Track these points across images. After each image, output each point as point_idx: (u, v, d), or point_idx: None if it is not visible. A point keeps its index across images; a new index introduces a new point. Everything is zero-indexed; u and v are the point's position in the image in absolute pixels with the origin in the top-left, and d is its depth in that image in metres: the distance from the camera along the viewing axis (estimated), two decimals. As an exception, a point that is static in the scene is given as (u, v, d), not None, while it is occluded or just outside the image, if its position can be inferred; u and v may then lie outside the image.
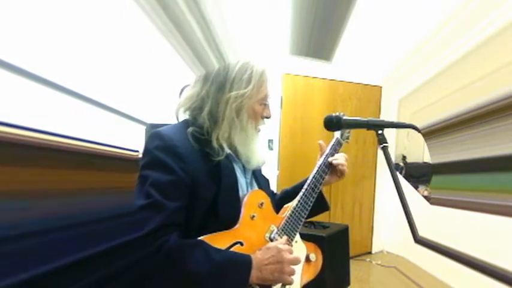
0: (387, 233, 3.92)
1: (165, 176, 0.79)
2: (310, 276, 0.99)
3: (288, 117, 3.38)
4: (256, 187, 0.98)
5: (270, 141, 3.32)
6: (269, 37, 2.83)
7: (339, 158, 1.05)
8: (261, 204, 0.90)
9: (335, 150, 1.07)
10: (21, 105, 0.71)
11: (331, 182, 1.08)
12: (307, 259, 0.99)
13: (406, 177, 3.52)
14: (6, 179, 0.58)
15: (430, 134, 2.47)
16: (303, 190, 0.98)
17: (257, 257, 0.80)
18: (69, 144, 0.77)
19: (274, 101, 3.19)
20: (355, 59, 3.42)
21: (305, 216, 0.97)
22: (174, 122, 0.95)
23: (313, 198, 0.98)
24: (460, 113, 2.25)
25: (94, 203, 0.83)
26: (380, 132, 0.81)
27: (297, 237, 0.96)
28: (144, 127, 1.41)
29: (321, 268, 1.03)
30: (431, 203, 2.98)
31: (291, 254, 0.85)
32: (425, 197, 3.16)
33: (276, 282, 0.83)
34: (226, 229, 0.82)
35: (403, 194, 0.72)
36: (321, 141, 1.09)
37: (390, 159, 0.77)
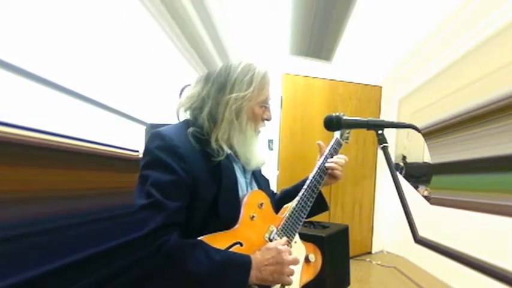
0: (387, 233, 3.92)
1: (166, 176, 0.79)
2: (309, 276, 0.99)
3: (288, 117, 3.38)
4: (256, 187, 0.98)
5: (270, 141, 3.32)
6: (269, 37, 2.83)
7: (336, 162, 1.04)
8: (261, 204, 0.90)
9: (335, 150, 1.07)
10: (21, 105, 0.71)
11: (329, 183, 1.07)
12: (307, 259, 0.99)
13: (406, 177, 3.52)
14: (6, 179, 0.58)
15: (430, 134, 2.47)
16: (303, 190, 0.98)
17: (257, 257, 0.80)
18: (69, 144, 0.77)
19: (274, 101, 3.19)
20: (355, 59, 3.42)
21: (304, 217, 0.97)
22: (174, 122, 0.95)
23: (312, 198, 0.98)
24: (460, 113, 2.25)
25: (94, 203, 0.83)
26: (380, 132, 0.81)
27: (296, 237, 0.97)
28: (144, 127, 1.41)
29: (321, 268, 1.03)
30: (431, 203, 2.98)
31: (291, 255, 0.85)
32: (425, 197, 3.16)
33: (276, 283, 0.83)
34: (226, 229, 0.83)
35: (403, 194, 0.72)
36: (320, 142, 1.09)
37: (390, 159, 0.77)
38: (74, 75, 0.91)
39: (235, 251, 0.81)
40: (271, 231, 0.89)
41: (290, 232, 0.93)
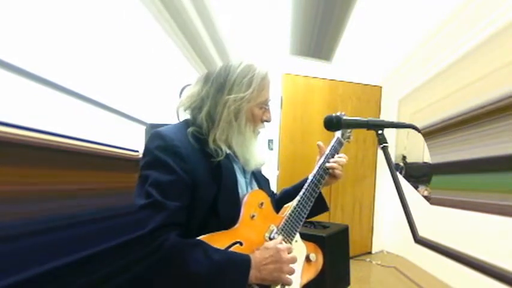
0: (387, 233, 3.92)
1: (166, 175, 0.79)
2: (310, 276, 0.99)
3: (288, 117, 3.38)
4: (256, 187, 0.98)
5: (270, 141, 3.32)
6: (269, 37, 2.83)
7: (337, 161, 1.04)
8: (261, 204, 0.90)
9: (336, 149, 1.07)
10: (21, 105, 0.71)
11: (329, 183, 1.07)
12: (307, 259, 0.99)
13: (406, 177, 3.52)
14: (6, 179, 0.58)
15: (430, 134, 2.47)
16: (303, 190, 0.98)
17: (256, 256, 0.80)
18: (69, 144, 0.77)
19: (274, 101, 3.19)
20: (355, 59, 3.42)
21: (305, 216, 0.97)
22: (174, 122, 0.95)
23: (313, 198, 0.98)
24: (460, 113, 2.25)
25: (94, 203, 0.83)
26: (380, 132, 0.81)
27: (297, 236, 0.96)
28: (144, 127, 1.41)
29: (321, 268, 1.03)
30: (431, 203, 2.98)
31: (290, 253, 0.84)
32: (425, 197, 3.16)
33: (275, 282, 0.83)
34: (226, 229, 0.82)
35: (403, 194, 0.72)
36: (319, 143, 1.09)
37: (390, 159, 0.77)
38: (74, 75, 0.91)
39: (235, 250, 0.81)
40: (272, 231, 0.89)
41: (290, 231, 0.93)
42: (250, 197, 0.89)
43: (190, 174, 0.81)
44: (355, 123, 0.90)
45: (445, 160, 2.35)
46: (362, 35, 2.84)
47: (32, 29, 0.77)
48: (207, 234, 0.79)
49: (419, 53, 3.25)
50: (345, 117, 0.89)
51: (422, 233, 0.70)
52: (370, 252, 3.89)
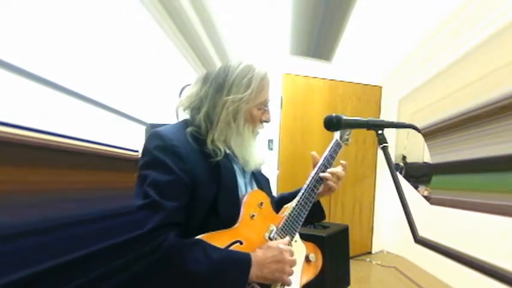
0: (387, 233, 3.92)
1: (164, 175, 0.79)
2: (310, 276, 0.99)
3: (288, 117, 3.38)
4: (255, 187, 0.98)
5: (270, 141, 3.32)
6: (269, 37, 2.83)
7: (334, 172, 1.00)
8: (261, 204, 0.90)
9: (335, 151, 1.06)
10: (21, 105, 0.71)
11: (322, 194, 1.03)
12: (307, 259, 0.99)
13: (406, 177, 3.52)
14: (6, 179, 0.58)
15: (430, 134, 2.47)
16: (303, 190, 0.98)
17: (258, 255, 0.80)
18: (69, 144, 0.77)
19: (274, 101, 3.19)
20: (355, 59, 3.42)
21: (304, 216, 0.96)
22: (174, 122, 0.95)
23: (312, 198, 0.98)
24: (460, 113, 2.25)
25: (93, 202, 0.83)
26: (380, 132, 0.81)
27: (297, 236, 0.96)
28: (144, 127, 1.40)
29: (321, 268, 1.03)
30: (431, 203, 2.98)
31: (292, 256, 0.84)
32: (425, 197, 3.16)
33: (276, 282, 0.83)
34: (226, 228, 0.82)
35: (403, 194, 0.72)
36: (313, 153, 1.05)
37: (390, 159, 0.77)
38: (74, 75, 0.91)
39: (236, 249, 0.81)
40: (271, 231, 0.89)
41: (290, 231, 0.93)
42: (250, 197, 0.89)
43: (189, 174, 0.81)
44: (355, 123, 0.90)
45: (445, 160, 2.35)
46: (362, 35, 2.84)
47: (32, 29, 0.77)
48: (207, 233, 0.79)
49: (419, 53, 3.25)
50: (344, 117, 0.89)
51: (422, 233, 0.70)
52: (370, 252, 3.89)
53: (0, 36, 0.68)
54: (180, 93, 0.98)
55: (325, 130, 0.92)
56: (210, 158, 0.86)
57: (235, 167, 0.93)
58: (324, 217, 1.10)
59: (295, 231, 0.95)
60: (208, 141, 0.87)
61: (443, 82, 2.79)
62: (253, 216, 0.87)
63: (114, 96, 1.13)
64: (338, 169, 1.02)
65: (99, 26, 1.07)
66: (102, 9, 1.09)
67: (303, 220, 0.96)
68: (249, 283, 0.78)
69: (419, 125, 0.84)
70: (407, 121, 0.87)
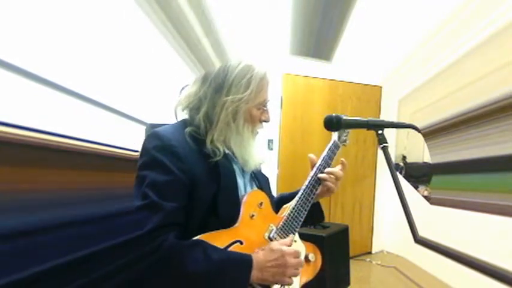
0: (387, 233, 3.92)
1: (163, 176, 0.79)
2: (308, 276, 0.99)
3: (288, 117, 3.38)
4: (255, 187, 0.98)
5: (270, 141, 3.32)
6: (269, 37, 2.83)
7: (332, 172, 0.99)
8: (261, 204, 0.90)
9: (333, 152, 1.05)
10: (21, 105, 0.71)
11: (321, 195, 1.03)
12: (306, 259, 0.99)
13: (406, 177, 3.52)
14: (6, 179, 0.58)
15: (430, 134, 2.48)
16: (302, 190, 0.98)
17: (259, 257, 0.80)
18: (69, 144, 0.78)
19: (274, 101, 3.20)
20: (355, 59, 3.42)
21: (303, 217, 0.96)
22: (174, 122, 0.95)
23: (311, 198, 0.98)
24: (460, 113, 2.25)
25: (93, 203, 0.83)
26: (380, 132, 0.81)
27: (296, 236, 0.96)
28: (144, 127, 1.40)
29: (321, 268, 1.03)
30: (431, 203, 2.98)
31: (297, 257, 0.84)
32: (425, 197, 3.16)
33: (277, 284, 0.83)
34: (225, 228, 0.82)
35: (403, 194, 0.72)
36: (311, 155, 1.05)
37: (390, 159, 0.77)
38: (74, 75, 0.91)
39: (236, 249, 0.81)
40: (271, 230, 0.89)
41: (290, 231, 0.93)
42: (250, 197, 0.89)
43: (188, 174, 0.81)
44: (355, 123, 0.90)
45: (445, 160, 2.35)
46: (362, 35, 2.84)
47: (32, 29, 0.77)
48: (207, 233, 0.79)
49: (419, 53, 3.25)
50: (344, 117, 0.89)
51: (422, 233, 0.70)
52: (370, 252, 3.89)
53: (0, 36, 0.69)
54: (180, 93, 0.97)
55: (325, 130, 0.92)
56: (209, 158, 0.86)
57: (235, 167, 0.93)
58: (323, 218, 1.10)
59: (295, 231, 0.95)
60: (208, 141, 0.87)
61: (443, 82, 2.79)
62: (253, 216, 0.87)
63: (114, 96, 1.13)
64: (336, 169, 1.02)
65: (99, 26, 1.07)
66: (102, 9, 1.09)
67: (302, 220, 0.96)
68: (249, 284, 0.78)
69: (419, 125, 0.84)
70: (407, 121, 0.87)
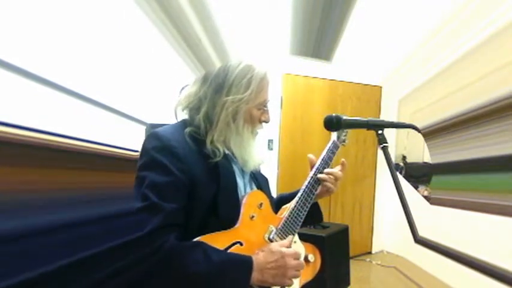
0: (387, 233, 3.92)
1: (162, 177, 0.79)
2: (308, 277, 0.99)
3: (288, 117, 3.38)
4: (254, 187, 0.98)
5: (270, 141, 3.32)
6: (269, 37, 2.83)
7: (331, 173, 0.99)
8: (260, 204, 0.90)
9: (332, 152, 1.05)
10: (21, 105, 0.71)
11: (321, 196, 1.03)
12: (306, 260, 0.98)
13: (406, 177, 3.52)
14: (6, 179, 0.58)
15: (430, 134, 2.48)
16: (301, 191, 0.98)
17: (259, 259, 0.80)
18: (69, 144, 0.77)
19: (274, 101, 3.20)
20: (355, 59, 3.42)
21: (303, 217, 0.96)
22: (174, 122, 0.94)
23: (311, 199, 0.98)
24: (460, 113, 2.25)
25: (94, 202, 0.83)
26: (380, 132, 0.81)
27: (296, 237, 0.96)
28: (144, 127, 1.41)
29: (321, 268, 1.03)
30: (431, 203, 2.98)
31: (297, 258, 0.84)
32: (425, 197, 3.16)
33: (277, 285, 0.82)
34: (225, 229, 0.82)
35: (403, 194, 0.72)
36: (310, 155, 1.05)
37: (390, 159, 0.77)
38: (74, 75, 0.91)
39: (236, 250, 0.81)
40: (271, 231, 0.89)
41: (289, 232, 0.93)
42: (250, 198, 0.89)
43: (187, 175, 0.81)
44: (355, 123, 0.90)
45: (445, 160, 2.35)
46: (362, 35, 2.84)
47: (32, 29, 0.77)
48: (207, 234, 0.79)
49: (419, 53, 3.25)
50: (344, 117, 0.89)
51: (422, 233, 0.70)
52: (370, 252, 3.89)
53: (0, 36, 0.68)
54: (180, 93, 0.97)
55: (325, 130, 0.92)
56: (208, 159, 0.86)
57: (235, 168, 0.93)
58: (321, 219, 1.10)
59: (295, 232, 0.95)
60: (208, 141, 0.87)
61: (443, 82, 2.79)
62: (253, 217, 0.87)
63: (114, 97, 1.13)
64: (335, 170, 1.02)
65: (99, 26, 1.07)
66: (102, 10, 1.09)
67: (301, 221, 0.96)
68: (250, 285, 0.78)
69: (419, 125, 0.83)
70: (407, 121, 0.87)
